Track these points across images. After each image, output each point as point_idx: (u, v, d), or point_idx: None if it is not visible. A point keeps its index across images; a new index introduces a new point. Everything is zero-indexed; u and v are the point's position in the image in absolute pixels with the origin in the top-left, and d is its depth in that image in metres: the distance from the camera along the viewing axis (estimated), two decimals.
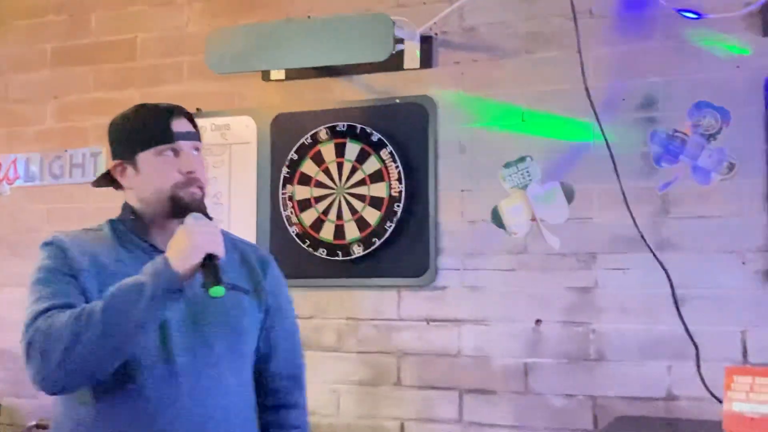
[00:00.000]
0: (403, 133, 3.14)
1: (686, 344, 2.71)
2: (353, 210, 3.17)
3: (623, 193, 2.76)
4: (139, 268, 1.68)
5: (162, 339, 1.74)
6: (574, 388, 2.87)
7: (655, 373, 2.77)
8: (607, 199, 2.84)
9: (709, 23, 2.75)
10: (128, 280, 1.64)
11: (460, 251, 3.05)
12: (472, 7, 3.09)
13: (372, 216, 3.14)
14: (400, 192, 3.10)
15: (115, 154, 1.87)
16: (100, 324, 1.60)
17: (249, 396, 1.91)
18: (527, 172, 2.99)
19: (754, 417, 2.16)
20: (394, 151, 3.12)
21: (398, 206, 3.10)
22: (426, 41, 3.13)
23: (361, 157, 3.17)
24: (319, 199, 3.22)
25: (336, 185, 3.20)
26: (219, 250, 1.67)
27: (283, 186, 3.27)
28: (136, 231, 1.85)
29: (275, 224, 3.29)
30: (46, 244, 1.81)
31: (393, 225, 3.10)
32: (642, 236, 2.74)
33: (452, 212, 3.08)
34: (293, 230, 3.24)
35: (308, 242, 3.21)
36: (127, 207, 1.88)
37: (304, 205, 3.24)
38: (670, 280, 2.72)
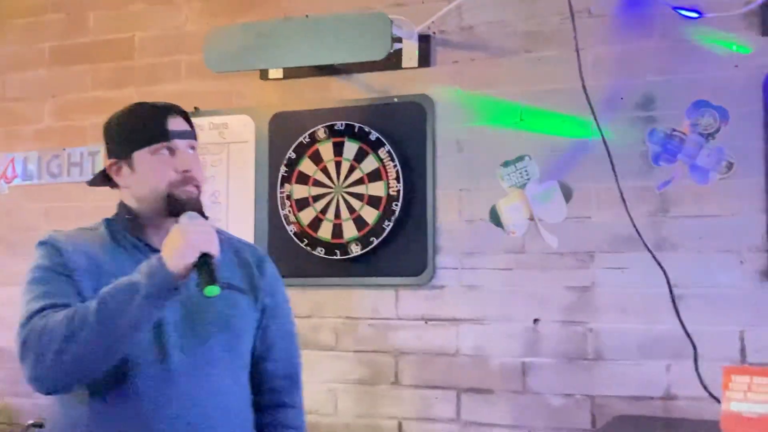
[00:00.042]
0: (401, 132, 3.14)
1: (685, 344, 2.70)
2: (351, 209, 3.16)
3: (621, 193, 2.75)
4: (135, 267, 1.67)
5: (158, 339, 1.74)
6: (572, 388, 2.87)
7: (654, 373, 2.77)
8: (606, 198, 2.84)
9: (708, 22, 2.75)
10: (123, 280, 1.64)
11: (458, 250, 3.05)
12: (470, 6, 3.08)
13: (370, 215, 3.13)
14: (399, 191, 3.10)
15: (111, 153, 1.87)
16: (94, 324, 1.59)
17: (245, 396, 1.91)
18: (525, 171, 2.98)
19: (751, 417, 2.16)
20: (392, 150, 3.12)
21: (396, 205, 3.10)
22: (424, 40, 3.13)
23: (360, 156, 3.17)
24: (317, 198, 3.22)
25: (334, 184, 3.20)
26: (214, 249, 1.66)
27: (281, 185, 3.26)
28: (131, 230, 1.84)
29: (273, 223, 3.28)
30: (42, 243, 1.80)
31: (391, 224, 3.09)
32: (639, 235, 2.73)
33: (450, 211, 3.07)
34: (291, 229, 3.24)
35: (306, 241, 3.21)
36: (122, 206, 1.87)
37: (302, 204, 3.23)
38: (667, 279, 2.71)
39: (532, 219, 2.96)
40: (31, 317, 1.66)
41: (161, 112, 1.83)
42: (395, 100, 3.17)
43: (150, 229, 1.84)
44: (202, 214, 1.78)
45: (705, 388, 2.62)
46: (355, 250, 3.14)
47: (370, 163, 3.15)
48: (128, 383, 1.71)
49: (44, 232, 1.88)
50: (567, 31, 2.87)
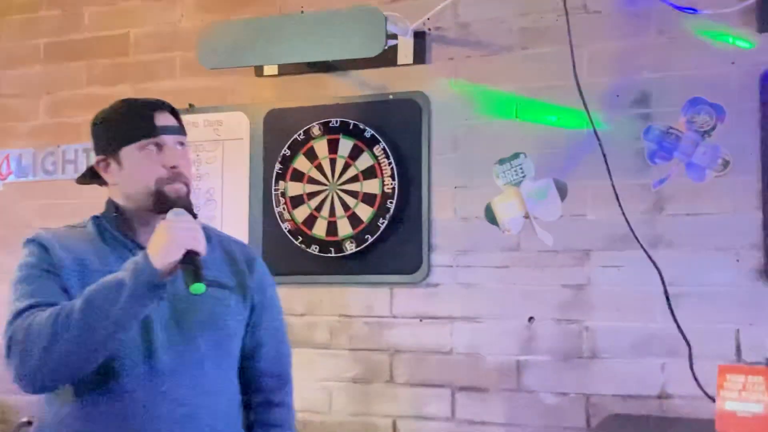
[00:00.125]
0: (396, 130, 3.13)
1: (680, 342, 2.69)
2: (346, 206, 3.15)
3: (614, 190, 2.74)
4: (122, 265, 1.66)
5: (145, 337, 1.73)
6: (567, 386, 2.86)
7: (649, 371, 2.76)
8: (601, 196, 2.82)
9: (705, 19, 2.73)
10: (108, 278, 1.63)
11: (453, 248, 3.04)
12: (466, 2, 3.07)
13: (365, 212, 3.12)
14: (393, 188, 3.08)
15: (99, 150, 1.86)
16: (80, 322, 1.58)
17: (234, 394, 1.90)
18: (521, 168, 2.97)
19: (746, 416, 2.15)
20: (387, 148, 3.10)
21: (391, 203, 3.08)
22: (420, 37, 3.12)
23: (354, 154, 3.15)
24: (311, 196, 3.20)
25: (329, 181, 3.19)
26: (199, 246, 1.65)
27: (276, 182, 3.25)
28: (119, 228, 1.83)
29: (268, 220, 3.27)
30: (29, 241, 1.80)
31: (386, 222, 3.08)
32: (633, 233, 2.72)
33: (445, 209, 3.06)
34: (286, 226, 3.22)
35: (301, 239, 3.20)
36: (111, 203, 1.86)
37: (297, 201, 3.22)
38: (662, 277, 2.70)
39: (527, 217, 2.95)
40: (17, 316, 1.65)
41: (148, 107, 1.82)
42: (390, 97, 3.15)
43: (138, 226, 1.83)
44: (191, 212, 1.77)
45: (700, 386, 2.61)
46: (350, 247, 3.13)
47: (364, 161, 3.13)
48: (115, 382, 1.70)
49: (39, 229, 1.87)
50: (563, 28, 2.85)
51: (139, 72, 3.55)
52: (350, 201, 3.15)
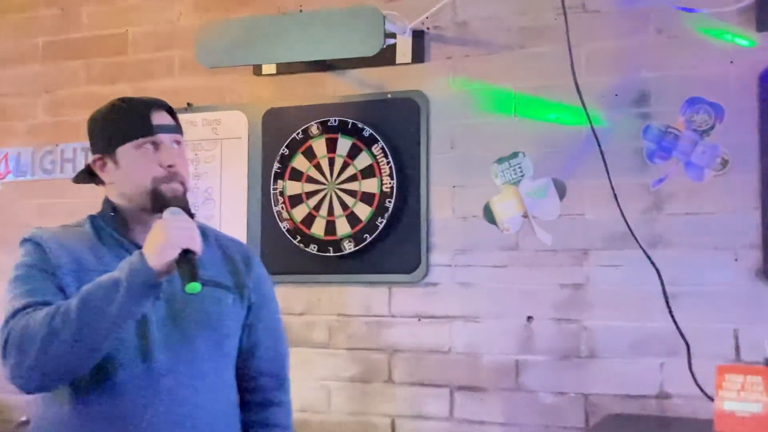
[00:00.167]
0: (395, 129, 3.12)
1: (678, 342, 2.68)
2: (344, 206, 3.15)
3: (613, 190, 2.73)
4: (119, 264, 1.65)
5: (141, 337, 1.73)
6: (565, 386, 2.85)
7: (647, 371, 2.75)
8: (600, 195, 2.82)
9: (703, 18, 2.73)
10: (104, 277, 1.62)
11: (451, 247, 3.03)
12: (464, 1, 3.06)
13: (363, 212, 3.11)
14: (392, 188, 3.08)
15: (95, 149, 1.86)
16: (75, 322, 1.58)
17: (231, 394, 1.90)
18: (519, 167, 2.96)
19: (744, 416, 2.14)
20: (385, 147, 3.10)
21: (390, 202, 3.08)
22: (418, 36, 3.11)
23: (353, 153, 3.15)
24: (310, 195, 3.20)
25: (327, 180, 3.18)
26: (195, 245, 1.64)
27: (274, 181, 3.25)
28: (115, 227, 1.83)
29: (266, 220, 3.26)
30: (25, 240, 1.80)
31: (384, 221, 3.08)
32: (632, 232, 2.71)
33: (444, 208, 3.05)
34: (284, 226, 3.22)
35: (299, 238, 3.19)
36: (107, 202, 1.86)
37: (295, 200, 3.21)
38: (660, 276, 2.69)
39: (525, 216, 2.94)
40: (13, 315, 1.65)
41: (145, 106, 1.81)
42: (389, 96, 3.15)
43: (135, 225, 1.83)
44: (188, 211, 1.76)
45: (699, 386, 2.60)
46: (348, 247, 3.12)
47: (363, 160, 3.13)
48: (111, 382, 1.70)
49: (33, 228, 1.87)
50: (561, 27, 2.84)
51: (137, 71, 3.55)
52: (349, 200, 3.14)
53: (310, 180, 3.20)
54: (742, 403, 2.16)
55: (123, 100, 1.87)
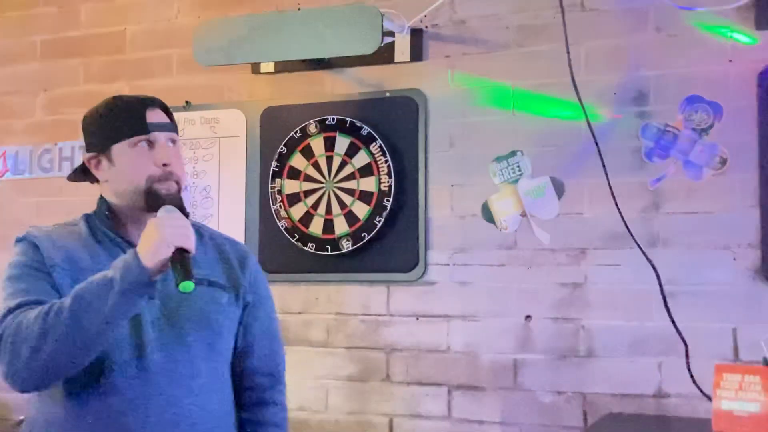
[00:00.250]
0: (393, 127, 3.11)
1: (677, 341, 2.67)
2: (342, 204, 3.14)
3: (611, 189, 2.72)
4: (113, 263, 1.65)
5: (136, 336, 1.72)
6: (563, 385, 2.85)
7: (645, 370, 2.75)
8: (598, 194, 2.81)
9: (702, 17, 2.72)
10: (97, 276, 1.62)
11: (449, 246, 3.03)
12: None
13: (361, 210, 3.11)
14: (390, 186, 3.07)
15: (90, 147, 1.85)
16: (69, 321, 1.57)
17: (226, 393, 1.88)
18: (518, 166, 2.96)
19: (742, 415, 2.14)
20: (383, 145, 3.09)
21: (388, 201, 3.07)
22: (416, 34, 3.10)
23: (351, 151, 3.14)
24: (308, 193, 3.19)
25: (325, 179, 3.18)
26: (189, 244, 1.63)
27: (272, 180, 3.24)
28: (110, 226, 1.82)
29: (264, 218, 3.26)
30: (20, 239, 1.79)
31: (382, 220, 3.07)
32: (629, 231, 2.71)
33: (442, 207, 3.05)
34: (282, 224, 3.21)
35: (297, 237, 3.19)
36: (102, 201, 1.85)
37: (293, 199, 3.21)
38: (658, 276, 2.68)
39: (524, 215, 2.94)
40: (6, 314, 1.64)
41: (140, 104, 1.80)
42: (387, 94, 3.14)
43: (130, 224, 1.82)
44: (182, 210, 1.75)
45: (696, 385, 2.60)
46: (347, 245, 3.12)
47: (361, 158, 3.12)
48: (105, 382, 1.69)
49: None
50: (560, 25, 2.83)
51: (135, 69, 3.54)
52: (347, 199, 3.13)
53: (308, 178, 3.19)
54: (740, 402, 2.14)
55: (118, 98, 1.86)
